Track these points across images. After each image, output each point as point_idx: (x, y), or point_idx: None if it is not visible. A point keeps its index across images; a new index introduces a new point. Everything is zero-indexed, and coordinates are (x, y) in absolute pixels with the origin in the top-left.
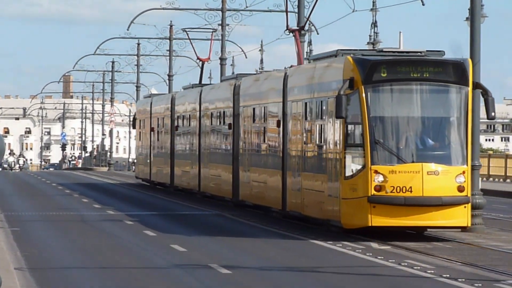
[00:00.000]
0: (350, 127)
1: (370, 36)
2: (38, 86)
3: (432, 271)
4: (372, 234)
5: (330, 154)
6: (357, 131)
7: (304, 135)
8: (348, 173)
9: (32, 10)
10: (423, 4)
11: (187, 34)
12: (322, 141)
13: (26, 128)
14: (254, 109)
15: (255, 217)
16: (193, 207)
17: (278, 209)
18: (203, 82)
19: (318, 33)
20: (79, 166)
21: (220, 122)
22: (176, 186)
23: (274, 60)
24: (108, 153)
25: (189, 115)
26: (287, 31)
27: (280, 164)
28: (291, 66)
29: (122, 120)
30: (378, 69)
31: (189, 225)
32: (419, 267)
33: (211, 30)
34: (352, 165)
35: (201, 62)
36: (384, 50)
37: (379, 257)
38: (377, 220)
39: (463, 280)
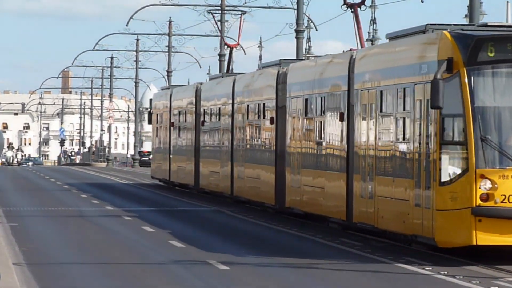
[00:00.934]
0: (447, 120)
1: (369, 33)
2: (37, 82)
3: None
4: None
5: (418, 153)
6: (457, 125)
7: (378, 130)
8: (445, 178)
9: (31, 5)
10: (422, 1)
11: (213, 16)
12: (406, 138)
13: (25, 123)
14: (306, 100)
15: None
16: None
17: (341, 220)
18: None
19: (317, 30)
20: (77, 161)
21: (259, 116)
22: (201, 188)
23: (273, 57)
24: (107, 149)
25: (219, 108)
26: (345, 5)
27: (344, 165)
28: (350, 50)
29: (121, 116)
30: (484, 47)
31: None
32: None
33: (240, 13)
34: (450, 168)
35: (229, 48)
36: (489, 24)
37: None
38: (484, 238)
39: None
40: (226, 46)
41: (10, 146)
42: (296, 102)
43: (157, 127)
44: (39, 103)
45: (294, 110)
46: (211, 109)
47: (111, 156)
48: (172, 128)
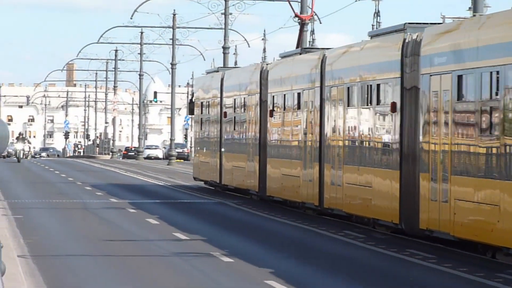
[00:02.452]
0: None
1: (373, 25)
2: (41, 74)
3: None
4: None
5: None
6: None
7: None
8: None
9: None
10: None
11: None
12: None
13: (30, 116)
14: (460, 77)
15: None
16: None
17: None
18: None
19: (321, 22)
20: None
21: (368, 102)
22: (270, 195)
23: (276, 49)
24: (111, 141)
25: (299, 93)
26: (296, 17)
27: None
28: None
29: (125, 109)
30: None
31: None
32: None
33: None
34: None
35: (300, 20)
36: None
37: None
38: None
39: None
40: (296, 18)
41: (20, 137)
42: (439, 80)
43: (201, 119)
44: (44, 96)
45: (435, 93)
46: (284, 95)
47: (116, 149)
48: (224, 119)
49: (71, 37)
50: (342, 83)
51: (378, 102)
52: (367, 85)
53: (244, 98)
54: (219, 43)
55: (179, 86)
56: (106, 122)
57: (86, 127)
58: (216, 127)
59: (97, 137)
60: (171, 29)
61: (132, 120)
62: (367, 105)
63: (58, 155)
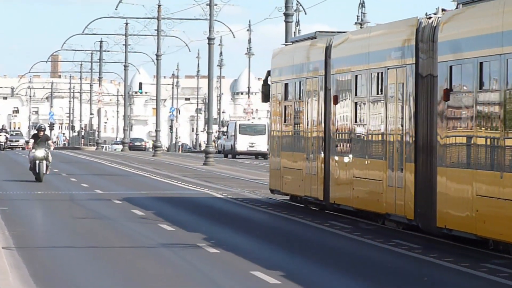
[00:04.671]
0: None
1: (357, 16)
2: (26, 66)
3: None
4: None
5: None
6: None
7: None
8: None
9: None
10: None
11: None
12: None
13: (14, 107)
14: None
15: None
16: None
17: None
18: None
19: (306, 13)
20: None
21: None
22: (440, 226)
23: (261, 40)
24: (96, 133)
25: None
26: None
27: None
28: None
29: (110, 100)
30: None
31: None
32: None
33: None
34: None
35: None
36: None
37: None
38: None
39: None
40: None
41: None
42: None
43: (285, 107)
44: (29, 87)
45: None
46: (464, 62)
47: (101, 140)
48: (331, 106)
49: (55, 28)
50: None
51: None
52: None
53: (382, 73)
54: (204, 34)
55: (164, 77)
56: (91, 114)
57: (71, 118)
58: (315, 118)
59: (82, 128)
60: (156, 20)
61: (117, 112)
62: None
63: None
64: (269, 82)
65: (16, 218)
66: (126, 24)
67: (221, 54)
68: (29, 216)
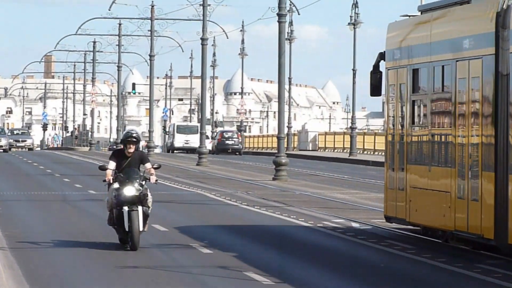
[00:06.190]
0: None
1: (351, 17)
2: (19, 66)
3: None
4: None
5: None
6: None
7: None
8: None
9: None
10: None
11: None
12: None
13: (8, 108)
14: None
15: None
16: None
17: None
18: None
19: (299, 14)
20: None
21: None
22: None
23: (254, 41)
24: (90, 133)
25: None
26: None
27: None
28: None
29: (104, 100)
30: None
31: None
32: None
33: None
34: None
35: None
36: None
37: None
38: None
39: None
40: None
41: None
42: None
43: (414, 102)
44: (22, 88)
45: None
46: None
47: (94, 140)
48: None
49: (49, 29)
50: None
51: None
52: None
53: None
54: (198, 34)
55: (158, 77)
56: (85, 114)
57: (65, 119)
58: (476, 117)
59: (75, 129)
60: (149, 21)
61: (111, 112)
62: None
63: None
64: (386, 69)
65: (10, 219)
66: (120, 24)
67: (214, 54)
68: (22, 217)
